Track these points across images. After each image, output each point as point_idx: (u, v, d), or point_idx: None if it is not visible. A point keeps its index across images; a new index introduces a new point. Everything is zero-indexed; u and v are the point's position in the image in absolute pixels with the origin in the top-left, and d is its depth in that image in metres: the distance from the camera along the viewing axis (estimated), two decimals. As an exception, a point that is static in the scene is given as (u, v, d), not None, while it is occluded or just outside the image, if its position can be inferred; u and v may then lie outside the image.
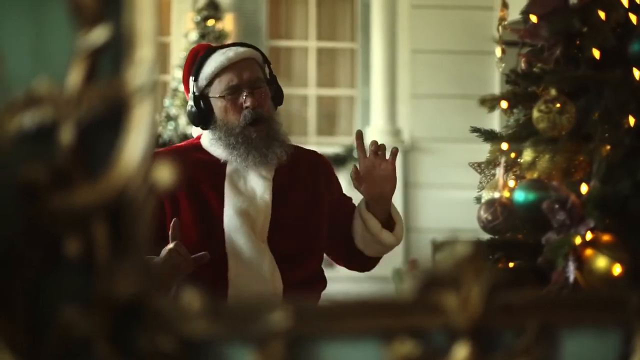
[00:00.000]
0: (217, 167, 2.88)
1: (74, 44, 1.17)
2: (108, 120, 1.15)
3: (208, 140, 2.92)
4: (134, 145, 1.13)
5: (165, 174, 1.11)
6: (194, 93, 2.89)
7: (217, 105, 2.87)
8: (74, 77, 1.15)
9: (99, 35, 1.14)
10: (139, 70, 1.14)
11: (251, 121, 2.84)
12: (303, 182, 2.97)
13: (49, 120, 1.14)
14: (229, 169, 2.89)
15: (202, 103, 2.88)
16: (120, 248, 1.14)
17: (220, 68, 2.85)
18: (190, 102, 2.91)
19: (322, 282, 2.99)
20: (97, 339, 1.12)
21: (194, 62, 2.93)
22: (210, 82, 2.88)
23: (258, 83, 2.89)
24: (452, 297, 1.19)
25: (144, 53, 1.15)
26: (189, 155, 2.90)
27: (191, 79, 2.90)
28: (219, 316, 1.16)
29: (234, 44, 2.97)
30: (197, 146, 2.96)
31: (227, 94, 2.85)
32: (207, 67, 2.88)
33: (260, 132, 2.85)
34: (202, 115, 2.88)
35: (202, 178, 2.86)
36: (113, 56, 1.17)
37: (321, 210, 2.99)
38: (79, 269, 1.15)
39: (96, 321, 1.11)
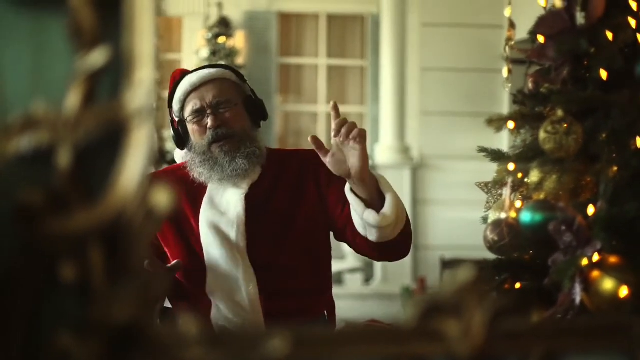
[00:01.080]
0: (198, 186, 2.96)
1: (73, 66, 1.16)
2: (106, 143, 1.14)
3: (189, 161, 2.99)
4: (132, 169, 1.12)
5: (163, 198, 1.10)
6: (171, 117, 3.02)
7: (189, 128, 2.96)
8: (72, 99, 1.14)
9: (97, 57, 1.13)
10: (138, 92, 1.13)
11: (212, 140, 2.91)
12: (284, 189, 2.98)
13: (46, 143, 1.13)
14: (210, 186, 2.96)
15: (179, 127, 2.99)
16: (117, 273, 1.13)
17: (186, 94, 2.96)
18: (171, 126, 3.04)
19: (320, 300, 2.98)
20: (93, 366, 1.11)
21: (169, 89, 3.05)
22: (182, 107, 2.98)
23: (223, 105, 2.94)
24: (454, 324, 1.17)
25: (143, 75, 1.14)
26: (173, 176, 3.01)
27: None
28: (216, 343, 1.14)
29: (204, 67, 3.06)
30: (183, 166, 3.02)
31: (192, 117, 2.94)
32: (177, 93, 2.98)
33: (224, 148, 2.90)
34: (180, 138, 2.99)
35: (184, 197, 2.95)
36: (112, 78, 1.16)
37: (308, 217, 2.96)
38: (74, 294, 1.14)
39: (91, 347, 1.10)
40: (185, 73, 3.02)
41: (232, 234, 2.88)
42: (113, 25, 1.15)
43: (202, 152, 2.91)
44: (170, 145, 9.17)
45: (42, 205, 1.10)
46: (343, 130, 2.69)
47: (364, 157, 2.70)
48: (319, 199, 2.97)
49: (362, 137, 2.70)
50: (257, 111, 3.03)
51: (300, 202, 2.97)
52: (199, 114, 2.92)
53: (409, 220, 2.90)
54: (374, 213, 2.75)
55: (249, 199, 2.92)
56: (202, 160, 2.91)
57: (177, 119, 3.00)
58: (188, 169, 2.97)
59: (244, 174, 2.91)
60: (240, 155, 2.90)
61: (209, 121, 2.90)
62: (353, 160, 2.70)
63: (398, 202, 2.82)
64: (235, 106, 2.96)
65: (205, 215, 2.91)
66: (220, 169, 2.90)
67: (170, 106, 3.02)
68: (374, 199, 2.78)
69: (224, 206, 2.92)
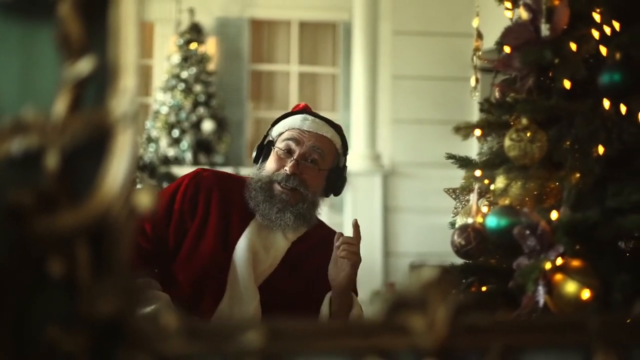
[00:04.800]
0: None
1: (61, 74, 1.21)
2: (92, 147, 1.20)
3: (252, 177, 3.01)
4: (116, 171, 1.18)
5: (145, 199, 1.16)
6: (266, 134, 3.05)
7: (272, 154, 2.97)
8: (60, 105, 1.19)
9: (84, 66, 1.19)
10: (122, 99, 1.19)
11: (280, 182, 2.91)
12: (314, 261, 2.98)
13: (35, 146, 1.18)
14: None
15: (265, 144, 3.02)
16: (102, 269, 1.19)
17: (292, 127, 2.97)
18: (261, 140, 3.06)
19: None
20: (80, 357, 1.17)
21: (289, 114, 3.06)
22: (280, 133, 3.00)
23: (311, 162, 2.96)
24: (419, 319, 1.24)
25: (127, 83, 1.20)
26: (236, 183, 3.01)
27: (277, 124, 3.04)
28: (195, 335, 1.20)
29: (326, 119, 3.07)
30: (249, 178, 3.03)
31: (281, 149, 2.94)
32: (288, 120, 3.01)
33: (284, 196, 2.92)
34: (259, 153, 3.03)
35: (237, 205, 2.95)
36: (97, 86, 1.21)
37: (319, 294, 2.98)
38: (62, 289, 1.19)
39: (78, 340, 1.16)
40: (306, 111, 3.05)
41: (262, 267, 2.92)
42: (99, 36, 1.21)
43: (266, 182, 2.93)
44: (142, 150, 9.06)
45: (31, 205, 1.16)
46: (337, 243, 2.87)
47: (348, 275, 2.86)
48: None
49: (349, 257, 2.85)
50: (336, 186, 3.06)
51: (319, 278, 2.96)
52: (287, 151, 2.94)
53: None
54: None
55: (290, 253, 2.97)
56: (261, 189, 2.93)
57: (268, 139, 3.03)
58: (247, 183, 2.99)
59: (285, 228, 2.94)
60: (292, 210, 2.93)
61: (289, 165, 2.91)
62: (337, 271, 2.87)
63: None
64: (320, 171, 2.99)
65: (250, 235, 2.93)
66: (269, 208, 2.92)
67: (273, 125, 3.05)
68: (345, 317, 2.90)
69: (269, 240, 2.95)
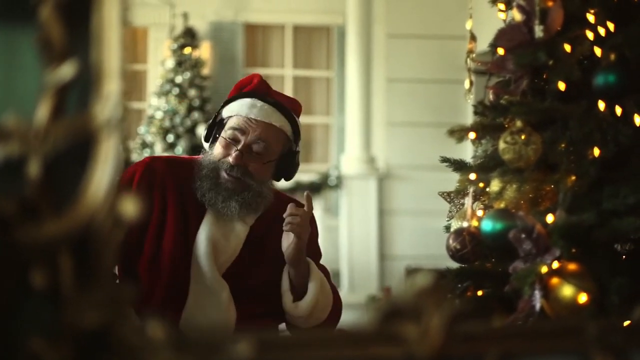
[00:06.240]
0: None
1: (42, 79, 1.19)
2: (75, 154, 1.17)
3: (201, 160, 2.96)
4: (100, 179, 1.15)
5: (130, 207, 1.13)
6: (216, 114, 2.98)
7: (220, 139, 2.91)
8: (42, 112, 1.17)
9: (66, 71, 1.17)
10: (106, 105, 1.17)
11: (225, 170, 2.87)
12: (277, 237, 2.93)
13: (17, 154, 1.16)
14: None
15: (216, 126, 2.96)
16: (86, 279, 1.17)
17: (238, 114, 2.90)
18: (210, 120, 3.01)
19: (280, 317, 3.01)
20: (64, 369, 1.14)
21: (236, 90, 3.01)
22: (229, 116, 2.93)
23: (257, 154, 2.89)
24: (413, 327, 1.22)
25: (111, 88, 1.17)
26: (188, 169, 2.93)
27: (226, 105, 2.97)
28: (184, 347, 1.18)
29: (275, 101, 2.98)
30: (197, 163, 2.97)
31: (227, 136, 2.88)
32: (236, 103, 2.94)
33: (229, 184, 2.87)
34: (208, 135, 2.98)
35: (192, 194, 2.89)
36: (80, 91, 1.19)
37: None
38: (46, 300, 1.17)
39: (62, 351, 1.13)
40: (253, 90, 2.98)
41: (224, 255, 2.89)
42: (82, 40, 1.18)
43: (212, 168, 2.89)
44: (136, 156, 9.09)
45: (13, 214, 1.13)
46: (285, 214, 2.85)
47: (296, 246, 2.86)
48: None
49: (292, 229, 2.85)
50: (287, 171, 3.01)
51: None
52: (232, 139, 2.88)
53: (335, 306, 3.02)
54: (290, 299, 2.92)
55: (251, 236, 2.94)
56: (206, 177, 2.88)
57: (219, 117, 2.97)
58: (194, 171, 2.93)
59: (232, 217, 2.90)
60: (237, 199, 2.88)
61: (233, 156, 2.85)
62: (286, 243, 2.88)
63: (318, 298, 2.93)
64: (268, 162, 2.92)
65: (208, 227, 2.89)
66: (214, 197, 2.87)
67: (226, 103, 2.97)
68: (304, 285, 2.93)
69: (227, 227, 2.91)
